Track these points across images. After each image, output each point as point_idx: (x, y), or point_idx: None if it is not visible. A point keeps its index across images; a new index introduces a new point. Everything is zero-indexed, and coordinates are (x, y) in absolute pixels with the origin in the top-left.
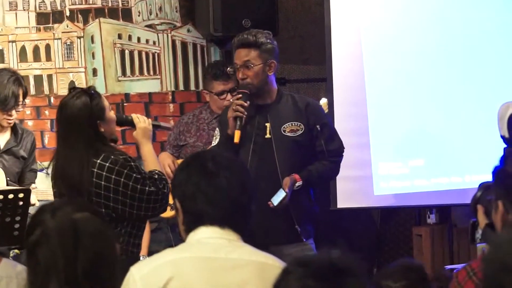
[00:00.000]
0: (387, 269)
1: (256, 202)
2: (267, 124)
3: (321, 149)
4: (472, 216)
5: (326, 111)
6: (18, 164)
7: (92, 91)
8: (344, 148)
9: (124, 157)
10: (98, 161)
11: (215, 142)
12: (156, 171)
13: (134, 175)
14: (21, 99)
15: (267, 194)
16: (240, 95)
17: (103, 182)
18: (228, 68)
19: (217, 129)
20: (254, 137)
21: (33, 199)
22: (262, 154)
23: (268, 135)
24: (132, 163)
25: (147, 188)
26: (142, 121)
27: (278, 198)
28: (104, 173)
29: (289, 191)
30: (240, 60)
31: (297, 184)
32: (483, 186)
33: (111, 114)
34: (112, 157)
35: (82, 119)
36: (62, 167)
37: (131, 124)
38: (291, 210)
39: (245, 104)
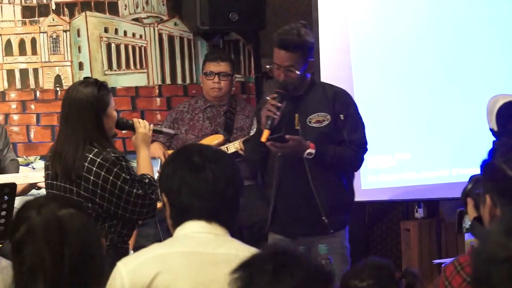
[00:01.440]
0: (355, 268)
1: (286, 191)
2: (296, 115)
3: (343, 139)
4: (461, 207)
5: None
6: None
7: (103, 84)
8: (366, 141)
9: (116, 155)
10: (90, 155)
11: (252, 131)
12: (148, 176)
13: (123, 175)
14: None
15: (295, 185)
16: (276, 95)
17: (92, 177)
18: (268, 66)
19: (255, 119)
20: (284, 128)
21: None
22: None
23: (297, 126)
24: (123, 163)
25: (134, 190)
26: (142, 126)
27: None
28: (94, 168)
29: (291, 141)
30: (282, 62)
31: (308, 151)
32: (474, 179)
33: (114, 113)
34: (104, 153)
35: (86, 106)
36: (60, 149)
37: (132, 128)
38: (318, 201)
39: (279, 105)
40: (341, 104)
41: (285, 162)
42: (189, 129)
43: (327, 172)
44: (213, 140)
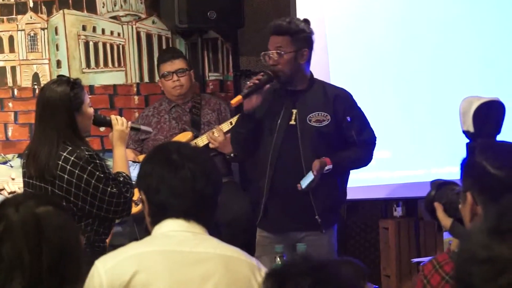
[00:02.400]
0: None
1: (278, 186)
2: (294, 111)
3: (352, 140)
4: (429, 215)
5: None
6: None
7: (76, 82)
8: (375, 137)
9: (90, 153)
10: (64, 154)
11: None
12: (123, 174)
13: (97, 173)
14: None
15: (290, 179)
16: (263, 74)
17: (66, 176)
18: (262, 53)
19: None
20: (280, 122)
21: (13, 186)
22: (286, 139)
23: (293, 122)
24: (97, 161)
25: (109, 188)
26: (119, 124)
27: (306, 180)
28: (68, 167)
29: (317, 174)
30: (272, 47)
31: (326, 168)
32: (436, 184)
33: (90, 110)
34: (78, 151)
35: (58, 105)
36: (35, 148)
37: (109, 125)
38: (313, 200)
39: (260, 76)
40: (345, 106)
41: (280, 157)
42: (158, 132)
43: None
44: (182, 138)
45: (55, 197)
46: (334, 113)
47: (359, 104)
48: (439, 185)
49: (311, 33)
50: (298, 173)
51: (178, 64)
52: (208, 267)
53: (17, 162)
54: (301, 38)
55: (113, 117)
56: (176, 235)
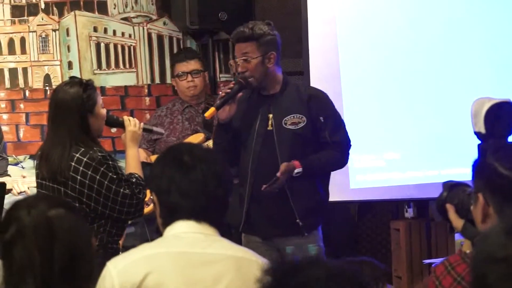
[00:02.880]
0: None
1: (258, 195)
2: (270, 115)
3: (325, 141)
4: (440, 216)
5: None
6: None
7: (88, 83)
8: (350, 139)
9: (103, 154)
10: (77, 155)
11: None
12: (135, 175)
13: (110, 174)
14: None
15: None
16: (234, 83)
17: (79, 177)
18: (230, 61)
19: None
20: (257, 128)
21: (23, 186)
22: (264, 146)
23: (270, 127)
24: (110, 162)
25: (121, 190)
26: (132, 125)
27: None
28: (81, 168)
29: (281, 175)
30: (238, 54)
31: (296, 171)
32: (448, 185)
33: (102, 111)
34: (91, 152)
35: (71, 106)
36: (48, 150)
37: (121, 126)
38: (292, 204)
39: (231, 84)
40: (319, 106)
41: (259, 163)
42: (170, 133)
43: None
44: (194, 139)
45: (67, 198)
46: (309, 113)
47: (370, 104)
48: (451, 186)
49: (275, 35)
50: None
51: (193, 64)
52: (220, 268)
53: (28, 164)
54: (266, 41)
55: (125, 118)
56: (187, 237)
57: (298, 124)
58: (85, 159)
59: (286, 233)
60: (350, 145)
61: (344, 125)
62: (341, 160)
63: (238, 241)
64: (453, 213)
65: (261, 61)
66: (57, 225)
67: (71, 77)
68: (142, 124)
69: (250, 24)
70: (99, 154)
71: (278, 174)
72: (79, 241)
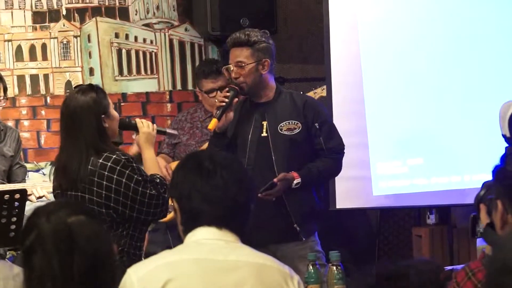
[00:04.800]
0: None
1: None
2: (264, 123)
3: (320, 147)
4: (474, 212)
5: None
6: (4, 162)
7: (99, 87)
8: (344, 145)
9: (126, 157)
10: (100, 160)
11: None
12: (157, 176)
13: (136, 176)
14: (1, 93)
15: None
16: (228, 90)
17: (104, 182)
18: (223, 68)
19: None
20: (251, 135)
21: (42, 191)
22: (259, 153)
23: (264, 134)
24: (134, 165)
25: (148, 191)
26: (145, 126)
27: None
28: (106, 173)
29: (280, 184)
30: (233, 60)
31: (295, 182)
32: (487, 185)
33: (115, 112)
34: (114, 156)
35: (87, 113)
36: (64, 160)
37: (135, 129)
38: (289, 208)
39: (228, 94)
40: (314, 112)
41: (254, 170)
42: (190, 137)
43: None
44: None
45: (92, 205)
46: (305, 120)
47: (392, 110)
48: (489, 186)
49: (271, 44)
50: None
51: (221, 81)
52: (241, 275)
53: (49, 170)
54: (261, 48)
55: (138, 120)
56: (208, 243)
57: (293, 130)
58: (109, 164)
59: (284, 239)
60: (344, 152)
61: (338, 132)
62: (336, 168)
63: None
64: (484, 213)
65: (255, 67)
66: (77, 232)
67: (77, 85)
68: (155, 125)
69: (246, 30)
70: (123, 157)
71: (275, 179)
72: (100, 248)
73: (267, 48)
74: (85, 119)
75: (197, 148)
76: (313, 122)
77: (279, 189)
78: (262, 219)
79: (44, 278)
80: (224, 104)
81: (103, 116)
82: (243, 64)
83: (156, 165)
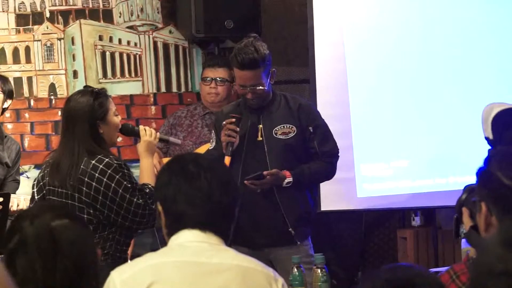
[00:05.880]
0: None
1: (248, 204)
2: (260, 126)
3: (314, 151)
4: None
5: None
6: (0, 170)
7: (100, 91)
8: (338, 149)
9: (119, 162)
10: (93, 162)
11: (211, 145)
12: (149, 186)
13: (125, 183)
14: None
15: (259, 196)
16: (233, 120)
17: (94, 183)
18: (235, 86)
19: (213, 132)
20: (247, 139)
21: (23, 203)
22: (254, 156)
23: (260, 138)
24: (125, 171)
25: (135, 199)
26: (148, 134)
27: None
28: (96, 174)
29: (269, 177)
30: (246, 82)
31: (286, 181)
32: (468, 189)
33: (115, 119)
34: (107, 160)
35: (80, 115)
36: (58, 158)
37: (137, 135)
38: (284, 212)
39: (237, 129)
40: (308, 116)
41: (248, 174)
42: (187, 135)
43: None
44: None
45: (81, 204)
46: (299, 123)
47: (377, 112)
48: (471, 190)
49: (269, 51)
50: (268, 190)
51: (220, 72)
52: (225, 277)
53: (33, 173)
54: (268, 60)
55: (141, 127)
56: (192, 246)
57: (288, 134)
58: (101, 166)
59: (278, 243)
60: (338, 156)
61: (332, 136)
62: (330, 171)
63: None
64: (467, 216)
65: (268, 83)
66: (61, 236)
67: (85, 86)
68: (158, 134)
69: (250, 46)
70: (115, 162)
71: (265, 172)
72: (83, 252)
73: (270, 57)
74: (78, 122)
75: (193, 148)
76: (307, 126)
77: (267, 183)
78: (257, 222)
79: (27, 282)
80: (233, 139)
81: (98, 122)
82: (260, 86)
83: (151, 175)
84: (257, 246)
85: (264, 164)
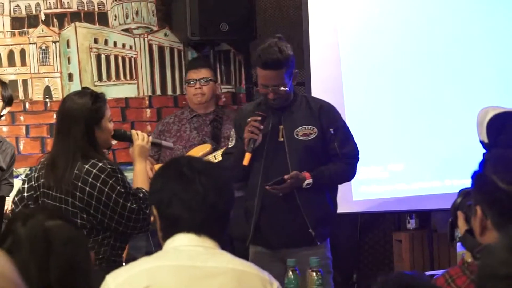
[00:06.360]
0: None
1: (270, 204)
2: (281, 127)
3: (334, 152)
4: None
5: None
6: None
7: (99, 95)
8: (358, 151)
9: (113, 167)
10: (86, 166)
11: (231, 143)
12: (143, 190)
13: (118, 188)
14: None
15: (280, 198)
16: (259, 118)
17: (87, 188)
18: (258, 88)
19: (232, 130)
20: (268, 140)
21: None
22: (275, 157)
23: (281, 138)
24: (119, 175)
25: (128, 204)
26: (140, 139)
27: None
28: (90, 179)
29: (290, 181)
30: (269, 82)
31: (306, 182)
32: (463, 193)
33: (109, 125)
34: (101, 164)
35: (77, 117)
36: (54, 159)
37: (129, 140)
38: (304, 213)
39: (261, 127)
40: (329, 117)
41: (270, 174)
42: (177, 140)
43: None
44: (201, 149)
45: (74, 209)
46: (320, 125)
47: (373, 115)
48: (466, 194)
49: (293, 53)
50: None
51: (203, 73)
52: (220, 281)
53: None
54: (292, 61)
55: (133, 132)
56: (187, 250)
57: (309, 135)
58: (94, 171)
59: (299, 244)
60: (359, 158)
61: (353, 138)
62: (350, 173)
63: (242, 254)
64: (462, 220)
65: (290, 84)
66: (54, 236)
67: (83, 88)
68: (150, 138)
69: (274, 47)
70: (109, 166)
71: (286, 177)
72: (76, 253)
73: (293, 58)
74: (75, 123)
75: (184, 152)
76: (328, 127)
77: (288, 187)
78: (277, 223)
79: None
80: (256, 136)
81: (94, 125)
82: (282, 87)
83: (145, 179)
84: (275, 246)
85: (285, 165)
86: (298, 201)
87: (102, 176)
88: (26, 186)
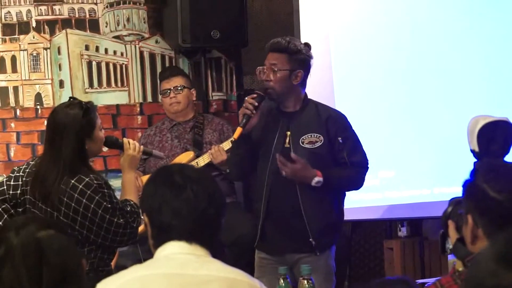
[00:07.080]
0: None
1: (275, 208)
2: (288, 133)
3: (343, 161)
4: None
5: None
6: None
7: (88, 106)
8: (368, 161)
9: (99, 182)
10: (72, 181)
11: None
12: (131, 203)
13: (105, 203)
14: None
15: (284, 203)
16: (256, 95)
17: (73, 204)
18: (257, 69)
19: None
20: (275, 145)
21: None
22: None
23: (287, 144)
24: (105, 190)
25: (115, 219)
26: (131, 148)
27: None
28: (75, 195)
29: (299, 164)
30: (268, 62)
31: (316, 179)
32: (453, 201)
33: (101, 133)
34: (87, 180)
35: (69, 130)
36: (43, 172)
37: (121, 148)
38: (306, 222)
39: (256, 103)
40: (337, 126)
41: (275, 179)
42: (160, 151)
43: (318, 192)
44: (184, 158)
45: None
46: (327, 134)
47: (363, 122)
48: (456, 203)
49: (309, 56)
50: (292, 196)
51: (176, 81)
52: None
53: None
54: (298, 59)
55: (125, 140)
56: (178, 258)
57: (315, 144)
58: (80, 186)
59: (299, 250)
60: (368, 167)
61: (362, 147)
62: (358, 180)
63: (242, 255)
64: (453, 229)
65: (287, 75)
66: (46, 246)
67: (71, 98)
68: (142, 147)
69: (289, 38)
70: (95, 182)
71: (293, 156)
72: (69, 262)
73: (304, 61)
74: (67, 136)
75: (167, 162)
76: (336, 136)
77: (295, 169)
78: (281, 228)
79: None
80: (248, 111)
81: (85, 137)
82: (276, 69)
83: (133, 189)
84: (280, 251)
85: None
86: (302, 209)
87: (88, 192)
88: (12, 183)
